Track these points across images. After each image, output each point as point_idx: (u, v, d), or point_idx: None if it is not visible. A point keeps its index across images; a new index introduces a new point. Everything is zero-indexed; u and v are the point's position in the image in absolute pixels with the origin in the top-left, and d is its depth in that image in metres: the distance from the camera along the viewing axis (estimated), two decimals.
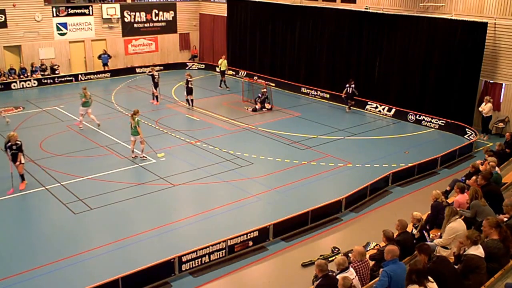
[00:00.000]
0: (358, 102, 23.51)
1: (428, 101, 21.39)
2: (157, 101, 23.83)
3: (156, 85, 23.58)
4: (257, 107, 22.95)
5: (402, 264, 7.61)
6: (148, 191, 14.37)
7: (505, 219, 9.01)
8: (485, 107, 19.16)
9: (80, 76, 28.73)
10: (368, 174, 15.36)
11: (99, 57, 29.70)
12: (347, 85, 22.80)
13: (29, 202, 13.71)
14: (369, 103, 23.19)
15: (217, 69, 28.77)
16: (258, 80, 25.92)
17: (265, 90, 23.20)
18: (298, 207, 12.91)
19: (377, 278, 7.87)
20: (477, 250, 7.41)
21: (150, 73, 23.68)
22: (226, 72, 27.94)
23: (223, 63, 27.55)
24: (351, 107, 23.16)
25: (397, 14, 22.44)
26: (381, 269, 7.73)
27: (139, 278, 9.92)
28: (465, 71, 19.97)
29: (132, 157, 16.71)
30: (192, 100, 22.90)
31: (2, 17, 26.61)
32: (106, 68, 29.89)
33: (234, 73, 30.48)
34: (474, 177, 11.37)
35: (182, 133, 19.52)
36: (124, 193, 14.20)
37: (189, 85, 22.58)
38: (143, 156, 16.65)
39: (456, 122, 20.04)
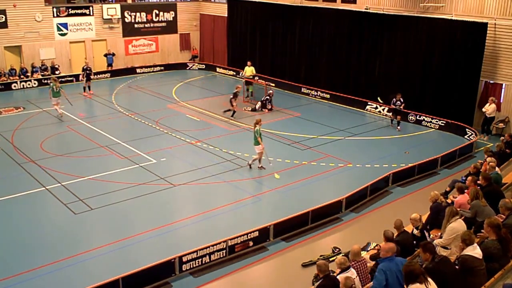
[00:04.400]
0: (358, 102, 23.55)
1: (428, 101, 21.39)
2: (90, 90, 25.60)
3: (88, 78, 25.40)
4: (256, 107, 22.97)
5: (399, 259, 7.58)
6: (149, 192, 14.38)
7: (502, 220, 9.00)
8: (489, 108, 19.16)
9: (80, 76, 28.70)
10: (368, 174, 15.36)
11: (105, 55, 29.78)
12: (394, 99, 20.45)
13: (30, 202, 13.71)
14: (369, 103, 23.18)
15: (241, 74, 26.99)
16: (258, 80, 25.92)
17: (271, 92, 23.24)
18: (298, 207, 12.92)
19: None
20: (474, 251, 7.40)
21: (86, 67, 25.47)
22: (254, 81, 25.41)
23: (248, 70, 25.38)
24: (399, 123, 20.43)
25: (397, 14, 22.44)
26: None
27: (140, 278, 9.93)
28: (465, 71, 19.97)
29: (258, 167, 16.03)
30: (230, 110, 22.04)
31: (2, 17, 26.63)
32: (110, 69, 29.95)
33: (234, 73, 30.52)
34: (470, 177, 11.37)
35: (183, 133, 19.53)
36: (125, 194, 14.21)
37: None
38: (261, 167, 15.99)
39: (456, 122, 20.04)
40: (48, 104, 22.38)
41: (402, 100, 20.24)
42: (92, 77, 25.97)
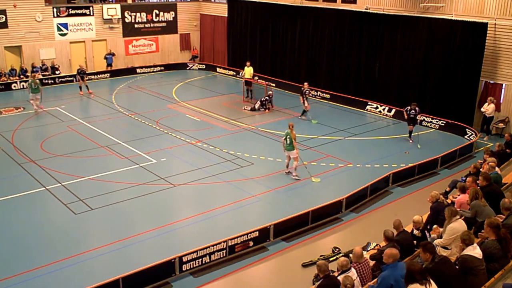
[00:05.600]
0: (358, 102, 23.55)
1: (429, 102, 21.38)
2: (88, 90, 25.49)
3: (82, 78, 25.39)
4: (256, 106, 22.97)
5: (401, 264, 7.57)
6: (149, 192, 14.38)
7: (501, 220, 9.00)
8: (488, 108, 19.15)
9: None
10: (369, 174, 15.36)
11: (105, 57, 29.78)
12: (409, 107, 18.87)
13: (30, 202, 13.71)
14: (369, 103, 23.19)
15: (241, 74, 26.92)
16: (258, 80, 25.93)
17: (271, 92, 23.26)
18: (298, 207, 12.93)
19: (375, 280, 7.87)
20: (473, 251, 7.40)
21: (80, 70, 25.41)
22: (254, 81, 25.05)
23: (247, 70, 24.92)
24: (411, 134, 18.98)
25: (398, 14, 22.45)
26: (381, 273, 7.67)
27: (140, 278, 9.93)
28: (465, 71, 19.97)
29: (285, 173, 15.58)
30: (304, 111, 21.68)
31: (3, 17, 26.64)
32: (110, 69, 29.95)
33: (234, 73, 30.53)
34: (470, 178, 11.36)
35: (183, 133, 19.53)
36: (125, 194, 14.21)
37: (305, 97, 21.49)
38: (295, 176, 15.30)
39: (456, 122, 20.04)
40: (48, 104, 22.42)
41: (417, 109, 18.73)
42: (85, 78, 25.54)
